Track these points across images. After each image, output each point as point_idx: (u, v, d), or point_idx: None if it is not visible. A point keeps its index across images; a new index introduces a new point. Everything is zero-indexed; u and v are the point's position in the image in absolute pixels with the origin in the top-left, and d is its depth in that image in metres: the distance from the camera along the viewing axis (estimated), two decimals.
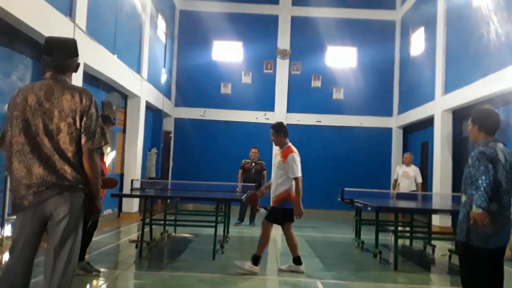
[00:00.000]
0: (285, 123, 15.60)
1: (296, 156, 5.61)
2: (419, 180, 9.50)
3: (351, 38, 15.21)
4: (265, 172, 10.21)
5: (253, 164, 10.16)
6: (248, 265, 5.44)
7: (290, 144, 5.78)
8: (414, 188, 9.46)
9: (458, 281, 5.73)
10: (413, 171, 9.54)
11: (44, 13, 6.39)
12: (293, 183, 5.50)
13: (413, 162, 13.82)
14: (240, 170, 10.19)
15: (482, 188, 3.10)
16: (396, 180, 9.73)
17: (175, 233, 8.30)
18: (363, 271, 6.08)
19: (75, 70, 2.80)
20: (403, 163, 9.91)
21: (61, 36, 2.96)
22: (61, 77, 2.67)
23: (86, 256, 5.28)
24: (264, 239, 5.61)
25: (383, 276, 5.78)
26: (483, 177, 3.12)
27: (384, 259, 6.61)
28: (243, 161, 10.30)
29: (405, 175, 9.48)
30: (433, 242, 7.69)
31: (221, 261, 6.15)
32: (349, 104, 15.03)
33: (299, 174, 5.53)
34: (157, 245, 7.03)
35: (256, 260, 5.45)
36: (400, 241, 6.81)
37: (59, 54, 2.67)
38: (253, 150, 10.31)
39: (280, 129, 5.78)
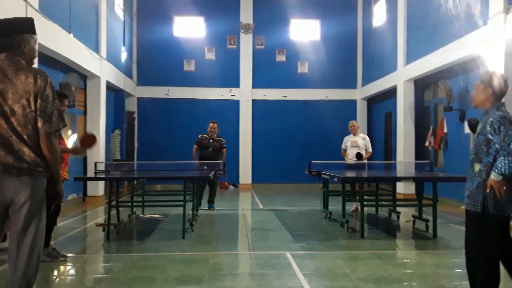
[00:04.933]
0: (251, 98, 15.63)
1: None
2: (370, 149, 8.90)
3: (314, 10, 15.14)
4: (224, 150, 9.28)
5: (211, 140, 9.11)
6: None
7: None
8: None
9: (422, 245, 5.99)
10: (363, 139, 8.93)
11: None
12: None
13: (377, 133, 14.22)
14: (195, 146, 9.18)
15: None
16: (345, 150, 9.05)
17: (143, 214, 8.19)
18: (331, 240, 6.20)
19: (21, 49, 2.63)
20: (350, 132, 9.09)
21: (13, 16, 2.89)
22: (16, 59, 2.58)
23: (52, 242, 5.15)
24: None
25: (351, 244, 5.92)
26: None
27: (351, 227, 6.76)
28: (200, 136, 9.23)
29: (354, 145, 8.84)
30: (398, 209, 7.93)
31: (191, 240, 6.12)
32: (314, 78, 15.06)
33: None
34: (125, 227, 6.93)
35: None
36: (366, 209, 6.96)
37: None
38: (211, 125, 9.23)
39: None
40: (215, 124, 9.30)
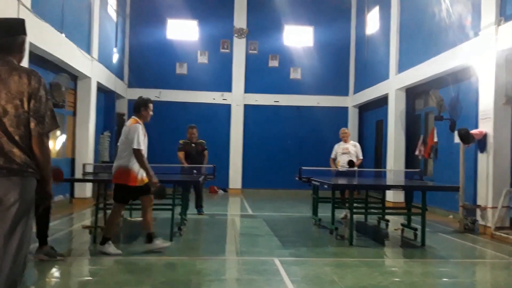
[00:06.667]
0: (242, 103, 15.54)
1: (139, 127, 5.64)
2: (360, 156, 8.93)
3: (308, 17, 15.21)
4: (206, 152, 9.22)
5: (193, 145, 9.10)
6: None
7: (134, 117, 5.86)
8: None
9: (410, 253, 5.99)
10: (354, 146, 8.96)
11: None
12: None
13: (368, 140, 14.26)
14: (182, 152, 9.03)
15: None
16: (333, 159, 9.01)
17: (130, 217, 8.10)
18: (320, 247, 6.18)
19: (20, 50, 2.68)
20: (341, 139, 9.06)
21: (4, 16, 2.86)
22: (8, 58, 2.56)
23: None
24: (111, 220, 5.52)
25: (339, 252, 5.91)
26: None
27: (340, 235, 6.74)
28: (181, 142, 9.18)
29: (345, 151, 8.83)
30: (387, 217, 7.94)
31: (179, 243, 6.06)
32: (306, 84, 15.10)
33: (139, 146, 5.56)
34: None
35: (105, 240, 5.36)
36: (355, 217, 6.96)
37: None
38: (190, 130, 9.18)
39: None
40: (195, 130, 9.24)
